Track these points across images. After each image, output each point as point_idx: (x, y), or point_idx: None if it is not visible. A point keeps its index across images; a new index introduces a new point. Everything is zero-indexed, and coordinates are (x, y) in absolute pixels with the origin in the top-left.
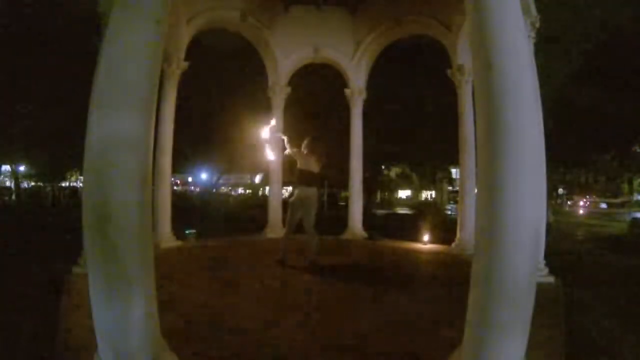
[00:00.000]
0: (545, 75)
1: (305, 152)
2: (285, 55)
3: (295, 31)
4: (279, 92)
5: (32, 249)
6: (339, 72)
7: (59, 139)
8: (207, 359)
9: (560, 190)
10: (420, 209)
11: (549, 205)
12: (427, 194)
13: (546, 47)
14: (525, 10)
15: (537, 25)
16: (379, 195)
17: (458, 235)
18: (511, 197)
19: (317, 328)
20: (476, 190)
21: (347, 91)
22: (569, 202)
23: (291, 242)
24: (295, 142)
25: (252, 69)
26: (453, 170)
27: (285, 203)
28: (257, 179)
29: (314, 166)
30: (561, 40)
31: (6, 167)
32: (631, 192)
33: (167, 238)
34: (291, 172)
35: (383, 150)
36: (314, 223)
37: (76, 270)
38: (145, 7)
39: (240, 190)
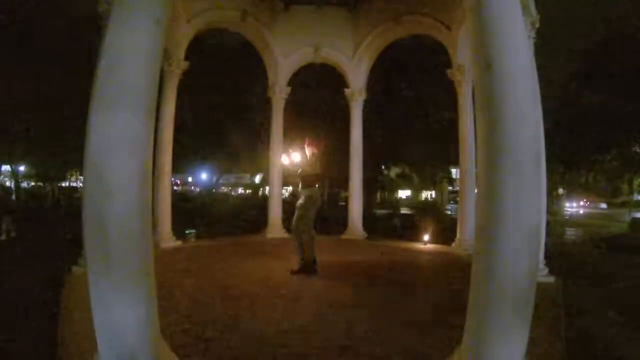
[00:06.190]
0: (545, 75)
1: (308, 154)
2: (285, 55)
3: (295, 31)
4: (279, 92)
5: (32, 248)
6: (339, 72)
7: (59, 139)
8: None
9: (560, 190)
10: (420, 209)
11: (552, 205)
12: (427, 194)
13: (546, 47)
14: (525, 10)
15: (537, 25)
16: (379, 195)
17: (458, 235)
18: (511, 197)
19: (318, 329)
20: (476, 190)
21: (347, 91)
22: (568, 203)
23: (294, 243)
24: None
25: (252, 68)
26: (453, 170)
27: (285, 203)
28: (257, 179)
29: (315, 167)
30: (561, 40)
31: (6, 167)
32: (631, 192)
33: (167, 238)
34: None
35: (383, 150)
36: (312, 224)
37: (76, 269)
38: (145, 7)
39: (240, 190)
